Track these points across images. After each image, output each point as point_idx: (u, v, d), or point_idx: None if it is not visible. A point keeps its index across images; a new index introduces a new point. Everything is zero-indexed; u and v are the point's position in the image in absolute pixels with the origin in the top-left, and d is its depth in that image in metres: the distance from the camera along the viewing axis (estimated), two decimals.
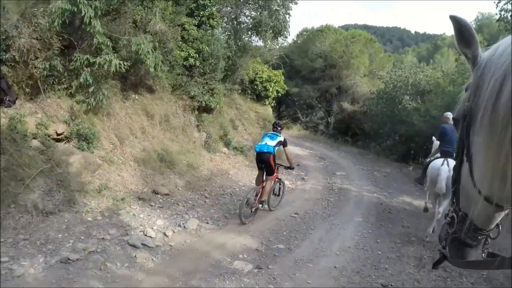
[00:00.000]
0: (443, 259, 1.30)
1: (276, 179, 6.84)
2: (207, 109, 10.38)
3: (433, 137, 8.46)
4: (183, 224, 5.69)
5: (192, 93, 9.75)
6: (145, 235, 5.02)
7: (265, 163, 6.32)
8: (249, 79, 12.97)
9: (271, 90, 13.25)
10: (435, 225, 6.19)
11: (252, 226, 6.16)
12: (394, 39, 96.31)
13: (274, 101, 13.98)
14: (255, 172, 7.11)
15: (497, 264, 0.89)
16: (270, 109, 13.65)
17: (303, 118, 26.34)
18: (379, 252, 5.60)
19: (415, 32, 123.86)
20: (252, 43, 13.27)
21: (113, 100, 7.83)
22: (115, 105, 7.94)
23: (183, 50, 9.64)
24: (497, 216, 1.04)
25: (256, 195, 6.28)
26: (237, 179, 9.13)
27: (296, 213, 7.18)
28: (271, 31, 12.71)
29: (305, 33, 27.01)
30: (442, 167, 6.10)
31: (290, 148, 13.45)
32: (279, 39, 13.91)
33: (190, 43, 9.94)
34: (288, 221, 6.73)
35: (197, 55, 9.66)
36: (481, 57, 0.98)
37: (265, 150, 6.27)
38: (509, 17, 12.28)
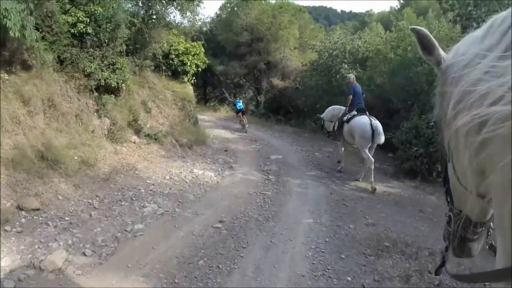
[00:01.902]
0: (444, 264, 1.30)
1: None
2: (110, 90, 8.45)
3: (318, 115, 10.46)
4: (40, 262, 3.76)
5: (87, 70, 7.82)
6: None
7: (242, 111, 15.11)
8: (163, 53, 11.08)
9: (189, 64, 11.47)
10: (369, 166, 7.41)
11: (152, 253, 4.36)
12: (321, 18, 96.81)
13: (194, 78, 12.21)
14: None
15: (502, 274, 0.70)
16: (190, 87, 11.83)
17: (230, 98, 24.83)
18: (349, 278, 3.96)
19: (341, 11, 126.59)
20: (167, 13, 11.41)
21: None
22: None
23: (71, 15, 7.58)
24: (489, 208, 1.04)
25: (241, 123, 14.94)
26: (146, 175, 7.21)
27: (221, 221, 5.40)
28: None
29: (228, 5, 25.10)
30: (374, 122, 7.42)
31: (216, 132, 12.35)
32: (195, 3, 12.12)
33: (82, 6, 7.90)
34: (209, 237, 4.91)
35: (88, 20, 7.65)
36: (444, 61, 0.97)
37: (242, 107, 15.35)
38: None
